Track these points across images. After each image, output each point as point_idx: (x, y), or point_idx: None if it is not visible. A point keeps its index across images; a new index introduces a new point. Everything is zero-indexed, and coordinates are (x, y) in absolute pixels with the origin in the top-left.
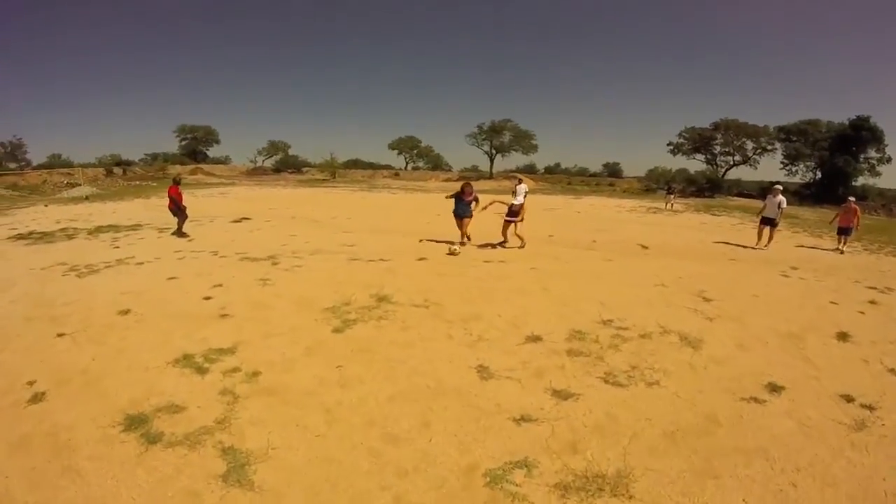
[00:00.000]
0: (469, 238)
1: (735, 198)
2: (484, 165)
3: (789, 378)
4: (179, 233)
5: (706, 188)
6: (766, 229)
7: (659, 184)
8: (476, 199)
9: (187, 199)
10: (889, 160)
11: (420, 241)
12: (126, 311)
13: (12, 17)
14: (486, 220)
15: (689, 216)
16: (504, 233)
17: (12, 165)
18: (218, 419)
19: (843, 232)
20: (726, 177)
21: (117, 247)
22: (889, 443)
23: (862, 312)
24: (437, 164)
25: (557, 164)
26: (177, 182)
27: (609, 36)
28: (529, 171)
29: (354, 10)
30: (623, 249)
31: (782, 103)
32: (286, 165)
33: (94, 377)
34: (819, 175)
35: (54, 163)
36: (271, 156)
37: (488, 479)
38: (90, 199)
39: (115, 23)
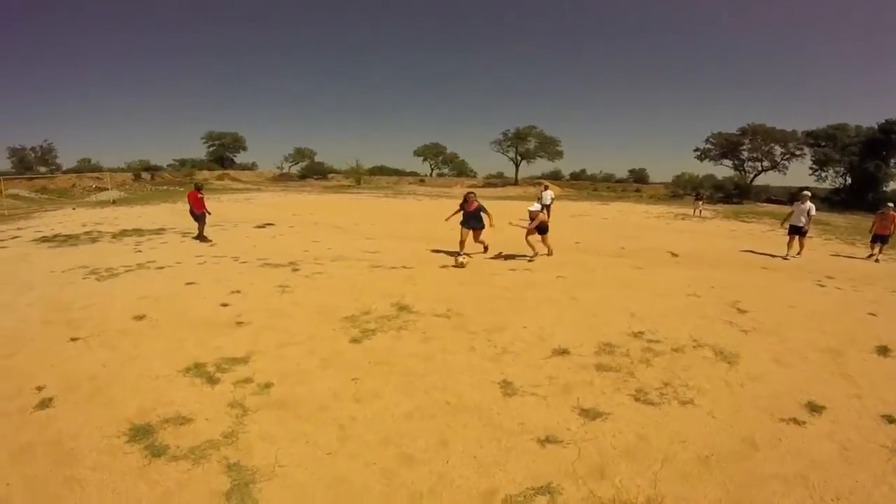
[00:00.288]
0: (486, 247)
1: (764, 204)
2: (509, 172)
3: (829, 396)
4: (201, 237)
5: (734, 194)
6: (796, 239)
7: (686, 190)
8: (483, 209)
9: (213, 204)
10: None
11: (433, 250)
12: (141, 317)
13: (46, 26)
14: (508, 229)
15: (719, 223)
16: (530, 243)
17: (42, 169)
18: (225, 433)
19: (879, 239)
20: (754, 182)
21: (139, 251)
22: None
23: None
24: (461, 170)
25: (583, 171)
26: (198, 188)
27: (633, 42)
28: (555, 177)
29: (379, 19)
30: (652, 257)
31: (807, 109)
32: (312, 172)
33: (103, 384)
34: (849, 181)
35: (84, 167)
36: (297, 162)
37: None
38: (117, 203)
39: (149, 31)
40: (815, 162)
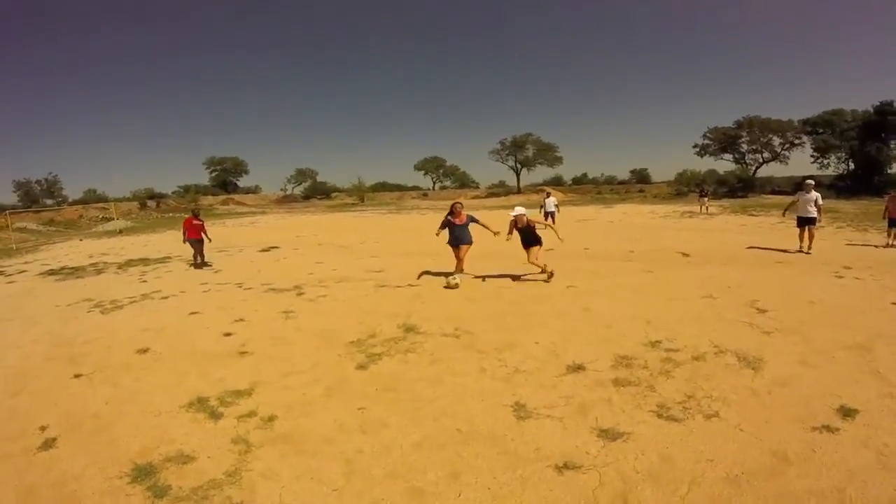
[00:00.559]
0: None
1: (769, 196)
2: (510, 181)
3: (862, 398)
4: (200, 264)
5: (739, 188)
6: (806, 230)
7: (689, 187)
8: (473, 219)
9: (218, 229)
10: None
11: (438, 269)
12: (144, 350)
13: (47, 60)
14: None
15: (726, 218)
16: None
17: (49, 202)
18: (228, 471)
19: (894, 224)
20: (757, 175)
21: (144, 280)
22: None
23: None
24: (463, 182)
25: (584, 175)
26: (195, 213)
27: (622, 42)
28: (557, 183)
29: (369, 37)
30: (663, 259)
31: (800, 97)
32: (315, 192)
33: (105, 422)
34: (852, 166)
35: (89, 198)
36: (300, 183)
37: None
38: (123, 233)
39: (147, 59)
40: (815, 150)
